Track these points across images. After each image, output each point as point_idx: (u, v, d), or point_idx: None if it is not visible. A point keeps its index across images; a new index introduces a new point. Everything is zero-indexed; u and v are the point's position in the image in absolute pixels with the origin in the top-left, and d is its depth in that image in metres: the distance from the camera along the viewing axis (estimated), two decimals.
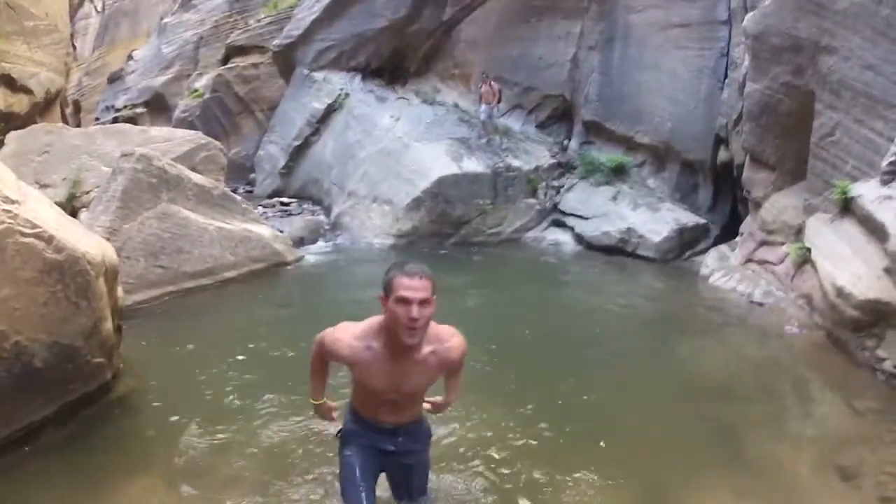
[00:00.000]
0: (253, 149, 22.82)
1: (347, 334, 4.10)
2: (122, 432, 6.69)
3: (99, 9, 36.22)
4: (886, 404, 7.91)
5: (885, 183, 9.62)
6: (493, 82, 19.02)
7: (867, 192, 9.88)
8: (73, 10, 29.61)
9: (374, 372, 4.07)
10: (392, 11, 20.01)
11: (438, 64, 20.67)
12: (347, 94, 19.97)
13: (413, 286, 3.77)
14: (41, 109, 22.55)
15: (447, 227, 17.14)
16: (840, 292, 9.45)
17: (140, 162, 11.99)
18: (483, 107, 18.99)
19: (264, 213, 17.63)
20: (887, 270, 8.82)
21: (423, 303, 3.80)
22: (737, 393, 8.32)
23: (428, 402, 4.65)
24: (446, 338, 4.16)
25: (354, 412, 4.45)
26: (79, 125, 28.93)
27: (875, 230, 9.40)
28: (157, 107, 27.00)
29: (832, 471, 6.30)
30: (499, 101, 19.08)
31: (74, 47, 34.55)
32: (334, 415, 4.78)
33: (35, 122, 19.90)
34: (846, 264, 9.74)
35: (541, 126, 20.14)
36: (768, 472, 6.24)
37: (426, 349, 4.04)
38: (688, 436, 7.01)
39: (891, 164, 9.55)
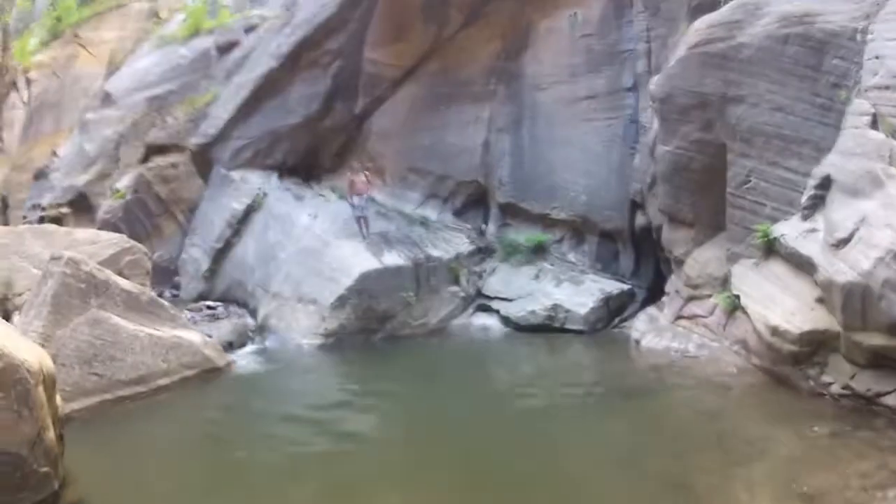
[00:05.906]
0: (176, 251, 21.97)
1: None
2: None
3: (25, 100, 35.10)
4: (837, 425, 8.02)
5: (806, 217, 9.86)
6: (366, 172, 18.44)
7: (789, 230, 10.16)
8: (0, 100, 28.60)
9: None
10: (305, 107, 20.03)
11: (352, 158, 20.46)
12: (265, 194, 19.68)
13: None
14: None
15: (373, 323, 16.74)
16: (775, 331, 9.66)
17: (69, 266, 11.89)
18: (354, 199, 18.03)
19: (192, 317, 16.99)
20: (820, 300, 8.94)
21: None
22: (685, 446, 8.28)
23: None
24: None
25: None
26: (6, 223, 27.35)
27: (802, 265, 9.60)
28: (81, 207, 25.56)
29: (796, 499, 6.26)
30: (369, 192, 18.26)
31: (1, 140, 33.32)
32: None
33: None
34: (776, 303, 9.99)
35: (458, 213, 20.10)
36: None
37: None
38: (638, 496, 6.93)
39: (810, 197, 9.79)
